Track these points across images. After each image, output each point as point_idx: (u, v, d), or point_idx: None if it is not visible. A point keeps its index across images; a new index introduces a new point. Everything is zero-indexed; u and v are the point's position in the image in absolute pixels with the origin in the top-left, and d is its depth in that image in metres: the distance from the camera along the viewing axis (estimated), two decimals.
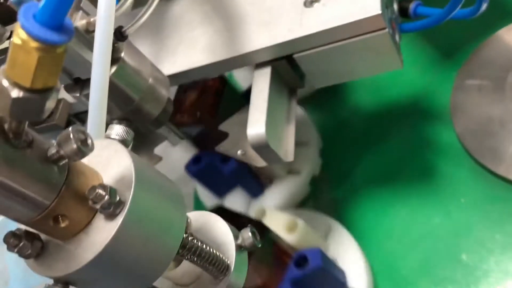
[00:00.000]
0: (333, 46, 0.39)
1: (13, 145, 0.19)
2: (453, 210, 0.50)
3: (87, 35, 0.34)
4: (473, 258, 0.47)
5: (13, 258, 0.55)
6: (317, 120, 0.63)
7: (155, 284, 0.27)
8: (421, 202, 0.52)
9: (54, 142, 0.20)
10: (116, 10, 0.33)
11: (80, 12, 0.34)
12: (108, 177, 0.22)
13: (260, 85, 0.41)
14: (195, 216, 0.31)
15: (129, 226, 0.21)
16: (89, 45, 0.34)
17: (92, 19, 0.33)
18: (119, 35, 0.35)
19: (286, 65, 0.42)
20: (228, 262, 0.28)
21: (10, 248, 0.21)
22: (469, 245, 0.48)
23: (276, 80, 0.43)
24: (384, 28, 0.37)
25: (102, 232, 0.21)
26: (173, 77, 0.45)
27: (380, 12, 0.36)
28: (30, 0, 0.32)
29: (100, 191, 0.21)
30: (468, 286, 0.46)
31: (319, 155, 0.61)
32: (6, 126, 0.18)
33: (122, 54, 0.37)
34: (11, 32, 0.38)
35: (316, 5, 0.40)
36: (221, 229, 0.30)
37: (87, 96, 0.38)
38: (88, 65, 0.33)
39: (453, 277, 0.47)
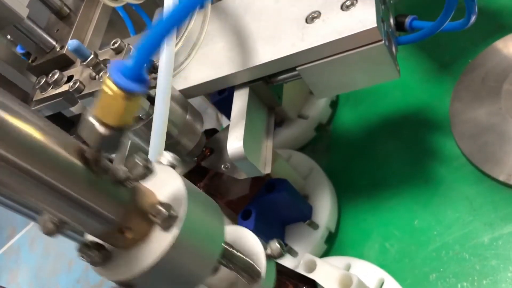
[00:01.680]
0: (333, 59, 0.42)
1: (94, 172, 0.23)
2: (458, 216, 0.52)
3: None
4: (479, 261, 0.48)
5: None
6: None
7: None
8: (423, 208, 0.54)
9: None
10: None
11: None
12: (163, 196, 0.26)
13: (239, 104, 0.45)
14: (229, 230, 0.35)
15: (183, 236, 0.25)
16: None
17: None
18: (153, 69, 0.38)
19: (263, 85, 0.46)
20: (259, 269, 0.32)
21: (82, 256, 0.25)
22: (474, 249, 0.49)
23: (255, 100, 0.46)
24: (380, 40, 0.40)
25: (160, 242, 0.25)
26: (185, 92, 0.48)
27: (376, 25, 0.39)
28: (83, 46, 0.36)
29: (160, 207, 0.25)
30: None
31: (329, 105, 0.68)
32: (88, 155, 0.22)
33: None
34: (68, 77, 0.42)
35: (316, 21, 0.43)
36: (252, 241, 0.34)
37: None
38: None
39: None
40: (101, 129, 0.21)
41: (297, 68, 0.44)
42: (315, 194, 0.58)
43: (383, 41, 0.40)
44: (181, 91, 0.47)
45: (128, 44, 0.39)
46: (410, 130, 0.60)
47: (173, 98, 0.43)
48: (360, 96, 0.67)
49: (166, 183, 0.27)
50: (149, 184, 0.27)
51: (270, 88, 0.47)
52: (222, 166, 0.48)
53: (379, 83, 0.44)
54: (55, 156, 0.21)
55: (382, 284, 0.51)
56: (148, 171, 0.24)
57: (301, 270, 0.44)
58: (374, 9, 0.40)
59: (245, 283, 0.32)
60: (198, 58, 0.49)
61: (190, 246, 0.26)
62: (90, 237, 0.26)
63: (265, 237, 0.50)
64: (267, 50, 0.44)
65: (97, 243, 0.25)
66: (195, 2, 0.21)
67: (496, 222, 0.49)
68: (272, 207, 0.52)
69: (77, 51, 0.37)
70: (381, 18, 0.41)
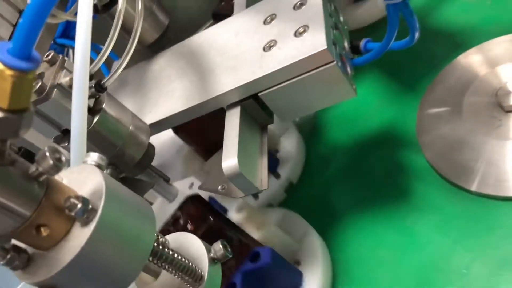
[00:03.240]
0: (291, 82, 0.44)
1: None
2: (433, 230, 0.52)
3: (70, 90, 0.39)
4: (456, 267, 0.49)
5: None
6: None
7: None
8: (396, 224, 0.54)
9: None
10: (94, 66, 0.38)
11: (64, 71, 0.39)
12: (83, 192, 0.26)
13: (232, 123, 0.46)
14: (173, 236, 0.35)
15: (102, 231, 0.25)
16: None
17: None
18: (99, 87, 0.40)
19: (254, 104, 0.47)
20: (202, 273, 0.32)
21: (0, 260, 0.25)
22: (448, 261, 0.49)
23: (246, 118, 0.47)
24: (332, 61, 0.42)
25: (78, 237, 0.25)
26: (155, 125, 0.50)
27: (326, 47, 0.41)
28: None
29: (74, 200, 0.24)
30: None
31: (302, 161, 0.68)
32: None
33: (104, 105, 0.42)
34: None
35: (273, 49, 0.45)
36: (195, 245, 0.33)
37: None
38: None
39: None
40: None
41: (259, 94, 0.46)
42: (308, 260, 0.55)
43: (335, 62, 0.42)
44: (152, 124, 0.49)
45: (63, 56, 0.40)
46: (381, 157, 0.61)
47: (114, 110, 0.43)
48: (332, 121, 0.69)
49: (87, 180, 0.26)
50: (68, 181, 0.27)
51: (261, 106, 0.48)
52: (219, 187, 0.49)
53: (338, 103, 0.46)
54: None
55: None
56: (58, 163, 0.23)
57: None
58: (324, 33, 0.42)
59: None
60: (167, 92, 0.51)
61: (111, 241, 0.25)
62: (12, 241, 0.25)
63: None
64: (230, 80, 0.47)
65: (16, 246, 0.25)
66: None
67: (472, 233, 0.50)
68: (258, 277, 0.50)
69: None
70: (332, 41, 0.44)
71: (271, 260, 0.49)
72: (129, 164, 0.44)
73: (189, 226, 0.50)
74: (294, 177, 0.68)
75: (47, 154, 0.23)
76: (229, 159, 0.43)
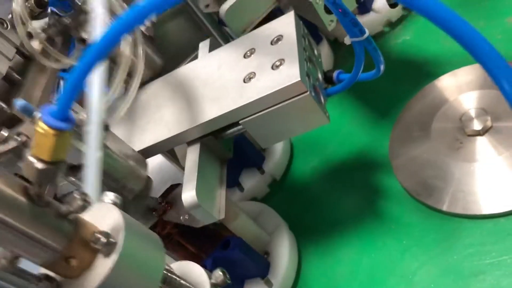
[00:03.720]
0: (269, 111, 0.48)
1: (37, 205, 0.27)
2: (407, 249, 0.55)
3: (77, 129, 0.43)
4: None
5: None
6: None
7: None
8: (381, 249, 0.57)
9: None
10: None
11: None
12: (103, 227, 0.30)
13: (191, 158, 0.50)
14: (177, 265, 0.39)
15: (122, 261, 0.29)
16: (79, 137, 0.43)
17: (81, 117, 0.43)
18: (104, 127, 0.43)
19: (213, 140, 0.52)
20: None
21: (33, 286, 0.28)
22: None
23: (206, 153, 0.52)
24: (306, 92, 0.46)
25: (102, 267, 0.29)
26: (143, 152, 0.53)
27: (299, 79, 0.45)
28: (29, 104, 0.41)
29: (99, 235, 0.28)
30: None
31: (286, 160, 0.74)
32: (31, 191, 0.27)
33: (107, 143, 0.46)
34: (16, 134, 0.47)
35: (252, 80, 0.49)
36: (197, 272, 0.38)
37: (80, 179, 0.46)
38: (79, 153, 0.43)
39: None
40: (38, 164, 0.26)
41: (240, 122, 0.50)
42: (276, 252, 0.61)
43: (308, 92, 0.46)
44: (139, 151, 0.52)
45: None
46: (357, 173, 0.65)
47: (115, 146, 0.48)
48: (310, 147, 0.73)
49: (106, 216, 0.31)
50: (91, 218, 0.31)
51: (220, 142, 0.53)
52: (182, 217, 0.52)
53: (313, 129, 0.50)
54: (2, 194, 0.26)
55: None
56: (86, 203, 0.28)
57: None
58: (297, 66, 0.47)
59: None
60: (154, 120, 0.55)
61: (129, 269, 0.29)
62: (41, 270, 0.29)
63: None
64: (213, 109, 0.50)
65: (47, 275, 0.29)
66: (107, 43, 0.25)
67: (446, 250, 0.53)
68: (227, 263, 0.54)
69: (23, 108, 0.42)
70: (306, 73, 0.48)
71: (239, 249, 0.55)
72: (129, 196, 0.48)
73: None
74: (278, 174, 0.74)
75: (77, 196, 0.28)
76: (188, 192, 0.47)
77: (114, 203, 0.32)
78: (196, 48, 0.85)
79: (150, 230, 0.33)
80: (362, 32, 0.41)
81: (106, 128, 0.45)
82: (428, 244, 0.54)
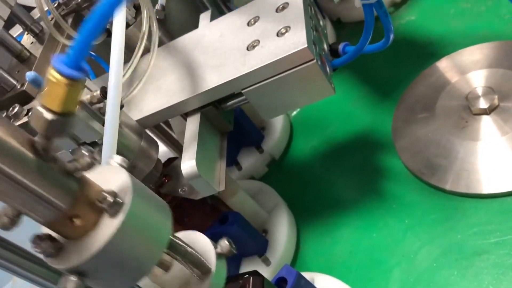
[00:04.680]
0: (273, 80, 0.46)
1: (43, 159, 0.25)
2: (410, 227, 0.54)
3: (91, 107, 0.42)
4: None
5: None
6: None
7: None
8: (382, 229, 0.56)
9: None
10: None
11: (85, 89, 0.41)
12: (110, 187, 0.28)
13: (191, 128, 0.48)
14: (183, 234, 0.37)
15: (128, 222, 0.27)
16: (93, 114, 0.42)
17: (95, 93, 0.42)
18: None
19: (213, 111, 0.50)
20: (210, 266, 0.34)
21: (35, 247, 0.26)
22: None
23: (206, 124, 0.50)
24: (312, 60, 0.45)
25: (107, 227, 0.27)
26: (142, 121, 0.51)
27: (306, 45, 0.44)
28: (40, 77, 0.40)
29: (105, 194, 0.27)
30: None
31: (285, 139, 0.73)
32: (38, 145, 0.25)
33: (121, 122, 0.44)
34: (27, 111, 0.47)
35: (256, 48, 0.48)
36: (203, 241, 0.36)
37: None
38: (92, 131, 0.42)
39: None
40: (47, 115, 0.24)
41: (243, 91, 0.48)
42: (274, 230, 0.60)
43: (315, 60, 0.45)
44: (137, 121, 0.50)
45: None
46: (359, 153, 0.64)
47: (128, 126, 0.46)
48: (310, 127, 0.72)
49: (113, 177, 0.29)
50: (98, 178, 0.29)
51: (221, 114, 0.51)
52: (180, 189, 0.51)
53: (317, 101, 0.49)
54: (6, 146, 0.24)
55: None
56: (93, 161, 0.26)
57: None
58: (304, 32, 0.45)
59: (197, 281, 0.34)
60: (152, 90, 0.53)
61: (136, 231, 0.28)
62: (44, 230, 0.28)
63: None
64: (214, 77, 0.48)
65: (49, 235, 0.27)
66: None
67: (449, 229, 0.52)
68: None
69: (35, 81, 0.40)
70: (313, 41, 0.46)
71: (237, 224, 0.53)
72: (139, 177, 0.46)
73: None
74: (276, 153, 0.72)
75: (85, 152, 0.26)
76: (188, 162, 0.45)
77: (122, 166, 0.30)
78: (195, 27, 0.83)
79: (158, 196, 0.31)
80: None
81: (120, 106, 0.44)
82: (431, 224, 0.53)
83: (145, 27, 0.50)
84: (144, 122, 0.51)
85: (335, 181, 0.64)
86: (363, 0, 0.39)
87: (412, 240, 0.53)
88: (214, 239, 0.52)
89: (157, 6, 0.68)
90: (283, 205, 0.62)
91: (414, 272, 0.50)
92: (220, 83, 0.47)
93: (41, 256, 0.28)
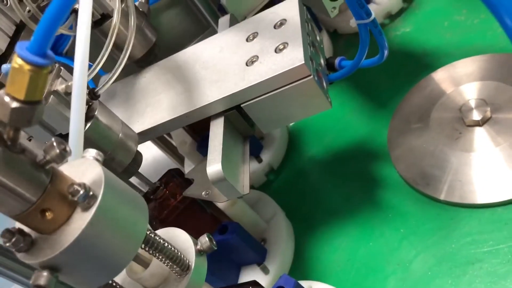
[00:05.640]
0: (271, 94, 0.48)
1: (11, 150, 0.25)
2: (406, 236, 0.55)
3: (66, 97, 0.42)
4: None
5: None
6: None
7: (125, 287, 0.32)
8: (379, 238, 0.57)
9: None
10: (88, 75, 0.41)
11: (60, 79, 0.42)
12: (84, 180, 0.29)
13: (216, 132, 0.49)
14: (163, 231, 0.37)
15: (101, 215, 0.27)
16: (68, 105, 0.42)
17: (69, 83, 0.42)
18: (93, 94, 0.42)
19: (236, 114, 0.50)
20: (190, 263, 0.34)
21: (5, 242, 0.27)
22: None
23: (230, 127, 0.51)
24: (309, 75, 0.46)
25: (79, 221, 0.27)
26: (142, 134, 0.52)
27: (303, 62, 0.45)
28: None
29: (77, 187, 0.27)
30: None
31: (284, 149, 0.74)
32: (5, 135, 0.25)
33: (96, 113, 0.45)
34: None
35: (255, 63, 0.49)
36: (183, 237, 0.36)
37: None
38: (66, 122, 0.41)
39: None
40: (12, 103, 0.24)
41: (242, 105, 0.49)
42: (273, 239, 0.61)
43: (312, 76, 0.46)
44: (139, 133, 0.52)
45: (59, 65, 0.43)
46: (355, 163, 0.65)
47: (106, 117, 0.46)
48: (308, 137, 0.73)
49: (87, 170, 0.29)
50: (70, 171, 0.29)
51: (244, 117, 0.51)
52: (203, 193, 0.51)
53: (315, 114, 0.50)
54: None
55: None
56: (64, 152, 0.26)
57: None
58: (301, 49, 0.46)
59: (176, 278, 0.34)
60: (154, 103, 0.54)
61: (109, 225, 0.28)
62: (17, 225, 0.28)
63: (218, 276, 0.54)
64: (215, 91, 0.50)
65: (21, 230, 0.27)
66: None
67: (443, 238, 0.53)
68: (224, 249, 0.54)
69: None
70: (310, 57, 0.48)
71: (236, 234, 0.54)
72: (118, 169, 0.47)
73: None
74: (275, 163, 0.74)
75: (54, 144, 0.26)
76: (214, 165, 0.46)
77: (96, 160, 0.30)
78: (193, 38, 0.84)
79: (133, 190, 0.31)
80: (368, 14, 0.40)
81: (94, 95, 0.44)
82: (425, 233, 0.55)
83: (115, 20, 0.48)
84: (144, 134, 0.53)
85: (332, 190, 0.65)
86: (358, 20, 0.41)
87: (408, 249, 0.54)
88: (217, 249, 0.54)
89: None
90: (282, 214, 0.63)
91: (409, 280, 0.52)
92: (219, 98, 0.49)
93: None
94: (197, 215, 0.55)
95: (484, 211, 0.53)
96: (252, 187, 0.72)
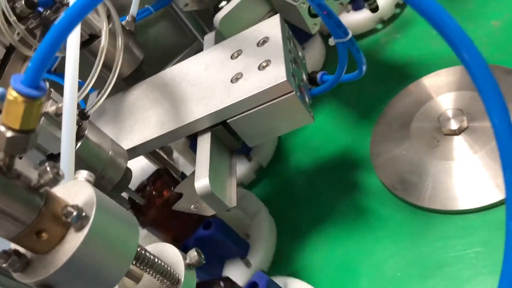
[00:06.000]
0: (256, 110, 0.50)
1: (6, 176, 0.27)
2: (379, 241, 0.58)
3: (56, 118, 0.43)
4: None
5: None
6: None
7: None
8: (356, 240, 0.59)
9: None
10: (78, 96, 0.42)
11: (50, 101, 0.43)
12: (75, 202, 0.30)
13: (203, 147, 0.51)
14: (152, 246, 0.39)
15: (93, 235, 0.29)
16: (59, 125, 0.43)
17: (60, 105, 0.43)
18: (83, 115, 0.44)
19: (223, 130, 0.52)
20: (179, 277, 0.36)
21: (2, 263, 0.28)
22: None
23: (216, 142, 0.52)
24: (292, 92, 0.48)
25: (73, 241, 0.29)
26: (131, 151, 0.54)
27: (286, 79, 0.47)
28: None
29: (70, 208, 0.28)
30: None
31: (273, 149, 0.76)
32: (0, 162, 0.26)
33: (86, 132, 0.46)
34: None
35: (240, 80, 0.51)
36: (172, 252, 0.38)
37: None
38: (58, 142, 0.42)
39: None
40: (7, 133, 0.25)
41: (228, 121, 0.51)
42: (256, 235, 0.63)
43: (294, 92, 0.48)
44: (128, 150, 0.53)
45: (49, 88, 0.44)
46: (339, 167, 0.68)
47: (96, 136, 0.48)
48: (296, 140, 0.76)
49: (79, 192, 0.31)
50: (63, 193, 0.31)
51: (230, 132, 0.53)
52: (192, 206, 0.53)
53: (298, 128, 0.52)
54: None
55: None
56: (57, 176, 0.27)
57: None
58: (284, 66, 0.48)
59: None
60: (143, 120, 0.56)
61: (101, 245, 0.29)
62: (12, 246, 0.29)
63: (203, 269, 0.56)
64: (201, 108, 0.52)
65: (17, 251, 0.29)
66: (79, 11, 0.25)
67: (416, 243, 0.55)
68: (209, 243, 0.57)
69: (2, 97, 0.42)
70: (292, 74, 0.50)
71: (220, 230, 0.57)
72: (108, 186, 0.48)
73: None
74: (264, 162, 0.76)
75: (48, 168, 0.27)
76: (201, 180, 0.47)
77: (88, 181, 0.32)
78: (180, 52, 0.86)
79: (124, 208, 0.33)
80: (345, 33, 0.42)
81: (84, 116, 0.45)
82: (401, 237, 0.57)
83: (103, 42, 0.50)
84: (133, 151, 0.54)
85: (316, 192, 0.68)
86: (337, 39, 0.43)
87: (382, 251, 0.57)
88: (198, 244, 0.56)
89: (128, 18, 0.69)
90: (265, 211, 0.66)
91: (380, 281, 0.54)
92: (206, 114, 0.50)
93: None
94: (183, 212, 0.56)
95: (458, 217, 0.55)
96: (242, 183, 0.74)
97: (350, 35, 0.42)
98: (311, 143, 0.73)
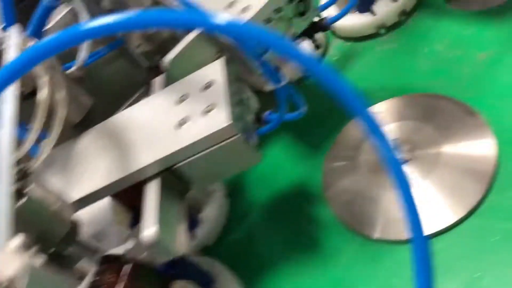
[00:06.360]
0: (202, 154, 0.50)
1: None
2: (336, 276, 0.59)
3: None
4: None
5: None
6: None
7: None
8: (309, 274, 0.61)
9: None
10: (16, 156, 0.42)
11: None
12: (8, 274, 0.30)
13: (150, 194, 0.51)
14: None
15: None
16: None
17: None
18: (24, 173, 0.43)
19: (171, 175, 0.52)
20: None
21: None
22: None
23: (165, 188, 0.52)
24: (236, 135, 0.49)
25: None
26: (81, 201, 0.53)
27: (230, 123, 0.48)
28: None
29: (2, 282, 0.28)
30: None
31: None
32: None
33: (28, 189, 0.45)
34: None
35: (184, 126, 0.51)
36: None
37: None
38: None
39: None
40: None
41: (175, 166, 0.51)
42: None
43: (239, 135, 0.49)
44: (76, 201, 0.53)
45: None
46: (292, 202, 0.69)
47: (40, 193, 0.46)
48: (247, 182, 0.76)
49: (12, 263, 0.30)
50: None
51: (178, 177, 0.53)
52: (144, 254, 0.52)
53: (247, 169, 0.53)
54: None
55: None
56: None
57: None
58: (227, 110, 0.49)
59: None
60: (92, 169, 0.55)
61: None
62: None
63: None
64: (148, 155, 0.52)
65: None
66: (31, 57, 0.25)
67: (379, 275, 0.57)
68: None
69: None
70: (237, 116, 0.51)
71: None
72: (54, 241, 0.47)
73: None
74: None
75: None
76: (149, 228, 0.47)
77: (22, 248, 0.31)
78: (135, 91, 0.86)
79: (63, 280, 0.33)
80: (282, 80, 0.44)
81: (24, 174, 0.45)
82: (347, 268, 0.59)
83: (41, 95, 0.49)
84: (84, 201, 0.54)
85: (271, 229, 0.69)
86: (275, 84, 0.44)
87: (334, 284, 0.58)
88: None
89: (76, 65, 0.69)
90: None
91: None
92: (152, 161, 0.51)
93: None
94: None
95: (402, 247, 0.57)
96: None
97: (286, 81, 0.44)
98: (265, 179, 0.74)
